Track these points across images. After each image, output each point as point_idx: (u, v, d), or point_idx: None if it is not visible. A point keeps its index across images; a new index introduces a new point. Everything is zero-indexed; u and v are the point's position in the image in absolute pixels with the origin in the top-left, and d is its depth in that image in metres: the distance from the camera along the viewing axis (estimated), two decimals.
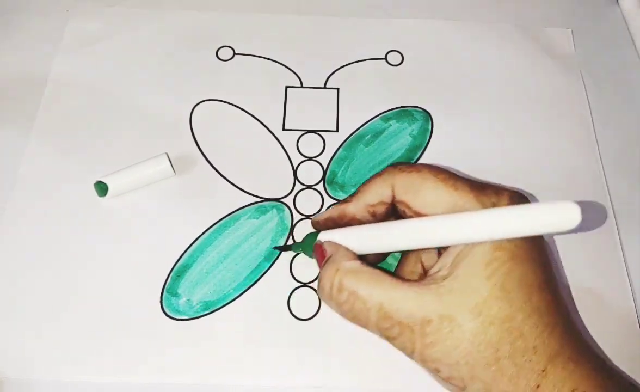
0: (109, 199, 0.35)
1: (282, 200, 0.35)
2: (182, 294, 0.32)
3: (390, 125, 0.38)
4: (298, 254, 0.33)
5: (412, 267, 0.29)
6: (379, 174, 0.28)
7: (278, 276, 0.33)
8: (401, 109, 0.39)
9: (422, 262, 0.29)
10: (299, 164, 0.37)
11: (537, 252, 0.24)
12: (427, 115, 0.39)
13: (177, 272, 0.33)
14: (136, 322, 0.31)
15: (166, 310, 0.32)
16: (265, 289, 0.32)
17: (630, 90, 0.41)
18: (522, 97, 0.40)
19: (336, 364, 0.30)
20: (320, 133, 0.38)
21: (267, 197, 0.35)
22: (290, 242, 0.34)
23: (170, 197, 0.35)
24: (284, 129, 0.38)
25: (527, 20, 0.44)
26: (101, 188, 0.34)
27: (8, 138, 0.37)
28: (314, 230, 0.31)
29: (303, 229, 0.34)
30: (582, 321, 0.31)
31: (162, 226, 0.34)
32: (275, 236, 0.34)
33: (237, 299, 0.32)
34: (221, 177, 0.36)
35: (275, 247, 0.33)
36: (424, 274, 0.29)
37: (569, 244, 0.34)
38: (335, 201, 0.35)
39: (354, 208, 0.29)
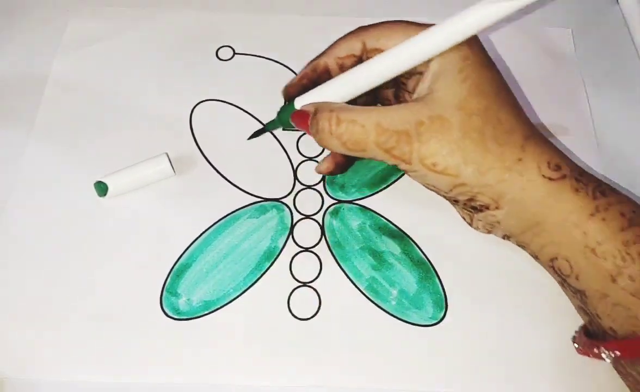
0: (109, 199, 0.35)
1: (282, 200, 0.35)
2: (182, 293, 0.32)
3: None
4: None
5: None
6: (350, 32, 0.31)
7: (278, 276, 0.33)
8: None
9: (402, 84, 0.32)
10: (299, 164, 0.37)
11: (493, 63, 0.29)
12: None
13: (177, 271, 0.33)
14: (136, 322, 0.31)
15: (166, 310, 0.32)
16: (265, 289, 0.32)
17: (630, 90, 0.41)
18: (522, 97, 0.40)
19: (336, 364, 0.30)
20: None
21: (267, 197, 0.35)
22: (281, 242, 0.34)
23: (170, 197, 0.35)
24: (284, 129, 0.38)
25: (527, 20, 0.44)
26: (101, 188, 0.34)
27: (8, 138, 0.37)
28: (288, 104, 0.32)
29: (303, 229, 0.34)
30: None
31: (162, 226, 0.34)
32: (275, 235, 0.34)
33: (237, 299, 0.32)
34: (221, 177, 0.36)
35: (251, 136, 0.35)
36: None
37: None
38: (335, 202, 0.35)
39: (326, 60, 0.31)
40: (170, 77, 0.40)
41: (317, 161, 0.37)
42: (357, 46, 0.31)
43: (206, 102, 0.39)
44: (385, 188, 0.36)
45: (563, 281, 0.29)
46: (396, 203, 0.35)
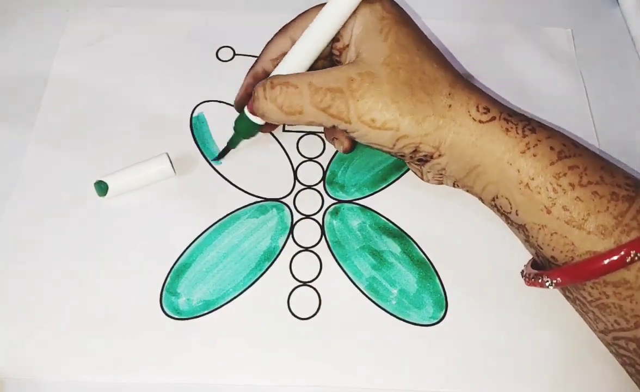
0: (109, 199, 0.35)
1: (282, 200, 0.35)
2: (182, 293, 0.32)
3: None
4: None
5: None
6: (275, 34, 0.34)
7: (278, 275, 0.33)
8: None
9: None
10: (299, 165, 0.37)
11: (411, 19, 0.31)
12: None
13: (177, 271, 0.33)
14: (136, 322, 0.31)
15: (165, 309, 0.31)
16: (265, 288, 0.32)
17: (630, 90, 0.41)
18: (522, 97, 0.40)
19: (336, 364, 0.30)
20: (320, 135, 0.38)
21: (267, 197, 0.35)
22: (283, 238, 0.34)
23: (170, 197, 0.35)
24: (284, 130, 0.38)
25: (527, 20, 0.44)
26: (101, 188, 0.34)
27: (8, 138, 0.37)
28: (240, 116, 0.34)
29: (303, 229, 0.34)
30: None
31: (162, 226, 0.34)
32: (275, 234, 0.34)
33: (237, 298, 0.32)
34: (221, 177, 0.36)
35: (217, 157, 0.36)
36: None
37: None
38: (335, 201, 0.35)
39: (261, 65, 0.34)
40: (170, 78, 0.40)
41: (317, 162, 0.37)
42: (286, 43, 0.33)
43: (207, 102, 0.39)
44: (385, 188, 0.36)
45: (506, 218, 0.30)
46: (396, 203, 0.35)
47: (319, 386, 0.30)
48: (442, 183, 0.33)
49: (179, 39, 0.42)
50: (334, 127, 0.31)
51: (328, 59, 0.33)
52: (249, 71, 0.35)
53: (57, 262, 0.33)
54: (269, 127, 0.36)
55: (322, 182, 0.36)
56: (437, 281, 0.33)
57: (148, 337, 0.31)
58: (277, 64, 0.32)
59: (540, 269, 0.30)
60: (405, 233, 0.34)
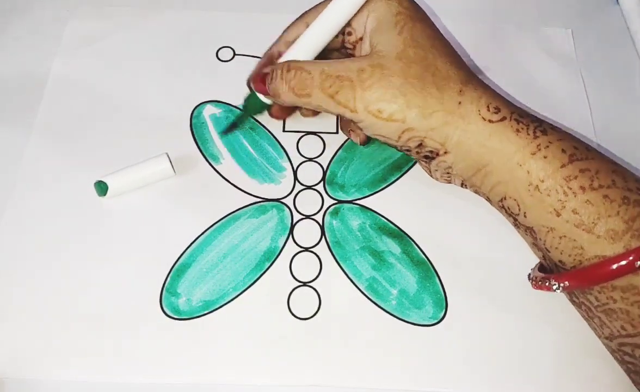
0: (109, 199, 0.35)
1: (282, 200, 0.35)
2: (182, 293, 0.32)
3: None
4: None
5: None
6: (295, 19, 0.34)
7: (278, 275, 0.33)
8: None
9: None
10: (299, 165, 0.37)
11: (426, 15, 0.32)
12: None
13: (177, 271, 0.33)
14: (136, 322, 0.31)
15: (165, 309, 0.32)
16: (265, 289, 0.32)
17: (630, 90, 0.41)
18: (522, 97, 0.40)
19: (336, 364, 0.30)
20: (320, 134, 0.38)
21: (267, 197, 0.35)
22: (282, 239, 0.34)
23: (170, 197, 0.35)
24: (284, 131, 0.38)
25: (527, 20, 0.44)
26: (101, 188, 0.34)
27: (8, 138, 0.37)
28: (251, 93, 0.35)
29: (303, 229, 0.34)
30: None
31: (162, 226, 0.34)
32: (275, 235, 0.34)
33: (237, 298, 0.32)
34: (221, 177, 0.36)
35: (225, 131, 0.37)
36: None
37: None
38: (335, 202, 0.35)
39: (277, 48, 0.34)
40: (170, 78, 0.40)
41: (317, 162, 0.37)
42: (302, 28, 0.33)
43: (207, 102, 0.39)
44: (385, 188, 0.36)
45: (514, 220, 0.30)
46: (396, 203, 0.35)
47: (319, 386, 0.30)
48: (450, 182, 0.33)
49: (179, 39, 0.42)
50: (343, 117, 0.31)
51: (342, 51, 0.34)
52: (265, 53, 0.35)
53: (57, 262, 0.33)
54: (280, 113, 0.36)
55: (322, 183, 0.36)
56: (437, 281, 0.33)
57: (148, 337, 0.31)
58: None
59: (548, 273, 0.30)
60: (405, 233, 0.34)
